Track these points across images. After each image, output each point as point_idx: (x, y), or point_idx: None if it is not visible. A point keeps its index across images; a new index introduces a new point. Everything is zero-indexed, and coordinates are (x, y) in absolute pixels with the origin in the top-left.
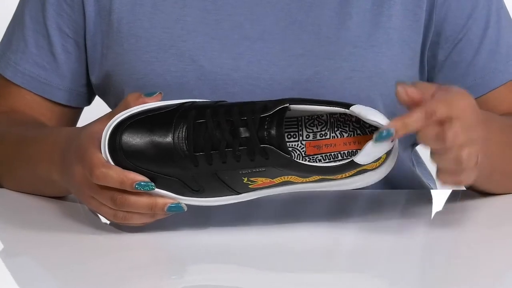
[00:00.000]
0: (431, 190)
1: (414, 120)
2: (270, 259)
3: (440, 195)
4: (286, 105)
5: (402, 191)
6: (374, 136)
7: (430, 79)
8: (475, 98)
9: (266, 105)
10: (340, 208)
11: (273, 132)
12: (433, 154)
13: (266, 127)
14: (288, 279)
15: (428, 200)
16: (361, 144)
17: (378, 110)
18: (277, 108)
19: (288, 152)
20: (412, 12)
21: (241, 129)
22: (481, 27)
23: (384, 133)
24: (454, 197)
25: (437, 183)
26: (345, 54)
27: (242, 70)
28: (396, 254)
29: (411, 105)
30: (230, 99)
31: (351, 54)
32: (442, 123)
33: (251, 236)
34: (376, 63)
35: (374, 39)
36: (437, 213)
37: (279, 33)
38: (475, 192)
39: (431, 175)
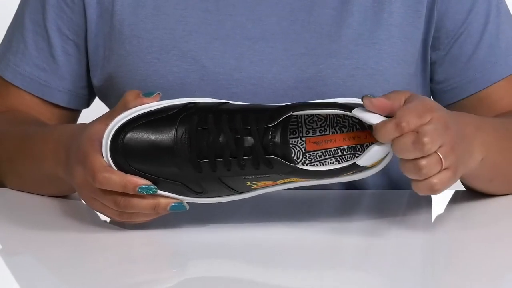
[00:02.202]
0: None
1: (388, 128)
2: (270, 255)
3: (440, 195)
4: (290, 113)
5: (402, 191)
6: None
7: (431, 74)
8: (475, 93)
9: (270, 115)
10: (340, 208)
11: (277, 140)
12: (404, 164)
13: (270, 136)
14: (287, 277)
15: (428, 200)
16: (360, 139)
17: None
18: (281, 118)
19: (292, 161)
20: (413, 8)
21: (245, 138)
22: (481, 22)
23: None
24: (454, 197)
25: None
26: (347, 52)
27: (245, 70)
28: (396, 253)
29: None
30: (233, 100)
31: (353, 52)
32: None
33: (253, 233)
34: (378, 61)
35: (376, 36)
36: (437, 213)
37: (280, 32)
38: (475, 192)
39: None
